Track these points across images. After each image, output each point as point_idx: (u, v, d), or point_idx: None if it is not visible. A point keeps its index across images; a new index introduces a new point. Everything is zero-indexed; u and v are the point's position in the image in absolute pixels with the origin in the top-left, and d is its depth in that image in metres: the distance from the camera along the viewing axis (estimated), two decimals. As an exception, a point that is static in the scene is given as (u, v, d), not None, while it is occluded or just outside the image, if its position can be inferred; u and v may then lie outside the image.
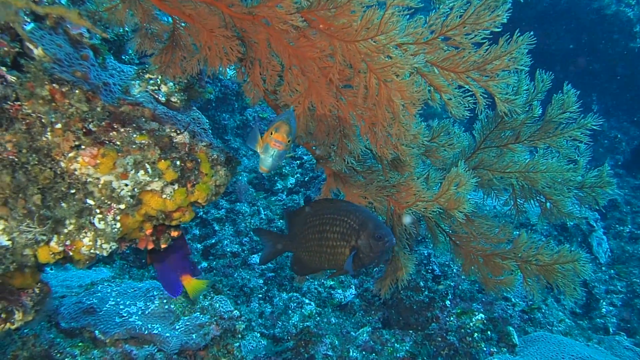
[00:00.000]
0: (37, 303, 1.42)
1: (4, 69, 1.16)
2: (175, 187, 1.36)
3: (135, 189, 1.31)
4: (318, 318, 3.57)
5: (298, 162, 5.51)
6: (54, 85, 1.20)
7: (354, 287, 3.98)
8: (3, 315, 1.37)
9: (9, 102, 1.16)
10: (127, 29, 1.83)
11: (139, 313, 2.11)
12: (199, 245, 4.25)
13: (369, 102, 1.27)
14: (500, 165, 2.09)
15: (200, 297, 2.24)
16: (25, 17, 1.24)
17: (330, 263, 1.60)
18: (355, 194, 1.85)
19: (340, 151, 1.50)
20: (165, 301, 2.16)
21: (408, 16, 1.18)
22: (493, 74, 1.29)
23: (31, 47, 1.21)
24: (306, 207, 1.70)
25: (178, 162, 1.35)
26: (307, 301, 3.69)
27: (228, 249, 4.18)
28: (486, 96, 1.33)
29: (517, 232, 2.08)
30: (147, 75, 1.46)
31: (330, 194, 1.96)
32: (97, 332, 2.00)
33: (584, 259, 1.97)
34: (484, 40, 1.30)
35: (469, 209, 1.62)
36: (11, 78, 1.17)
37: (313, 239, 1.62)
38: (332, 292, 3.86)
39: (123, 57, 1.86)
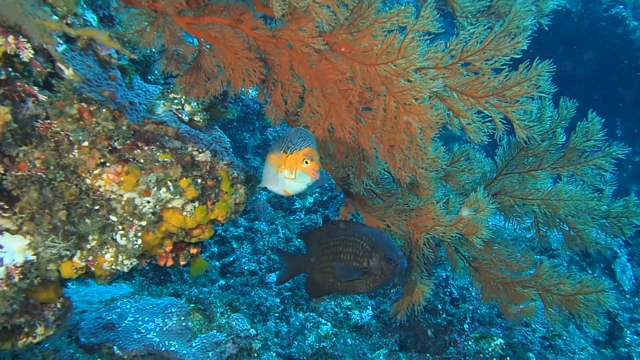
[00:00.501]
0: (59, 317, 1.45)
1: (36, 88, 1.20)
2: (196, 204, 1.38)
3: (157, 206, 1.33)
4: (334, 339, 3.55)
5: (319, 189, 5.53)
6: (82, 104, 1.24)
7: (370, 309, 3.95)
8: (26, 329, 1.39)
9: (39, 121, 1.20)
10: (153, 50, 1.88)
11: (157, 330, 2.13)
12: (217, 263, 4.27)
13: (388, 125, 1.28)
14: (522, 192, 2.07)
15: (218, 314, 2.25)
16: (58, 39, 1.28)
17: (343, 285, 1.61)
18: (374, 217, 1.85)
19: (359, 173, 1.51)
20: (182, 318, 2.17)
21: (428, 41, 1.20)
22: (512, 100, 1.29)
23: (62, 67, 1.25)
24: (322, 228, 1.72)
25: (199, 180, 1.37)
26: (323, 321, 3.67)
27: (246, 267, 4.19)
28: (505, 122, 1.34)
29: (538, 257, 2.05)
30: (171, 95, 1.50)
31: (348, 215, 1.96)
32: (115, 347, 2.01)
33: (608, 289, 1.92)
34: (504, 67, 1.31)
35: (487, 235, 1.61)
36: (43, 97, 1.21)
37: (327, 260, 1.63)
38: (349, 312, 3.84)
39: (149, 77, 1.91)
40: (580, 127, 2.01)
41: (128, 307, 2.27)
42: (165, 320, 2.17)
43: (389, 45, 1.18)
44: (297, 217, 5.05)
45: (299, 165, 1.30)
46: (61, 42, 1.28)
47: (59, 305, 1.39)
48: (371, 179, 1.51)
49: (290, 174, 1.31)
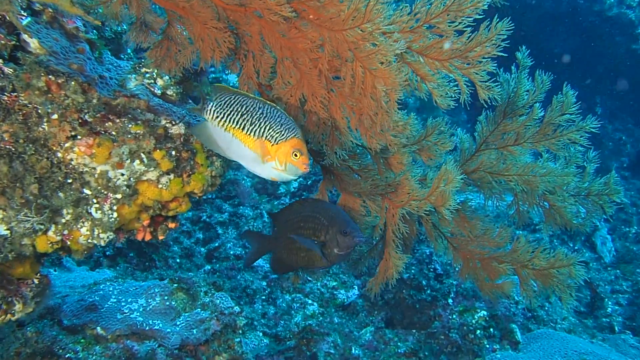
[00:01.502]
0: (37, 294, 1.45)
1: (0, 61, 1.19)
2: (171, 177, 1.38)
3: (131, 179, 1.33)
4: (321, 318, 3.58)
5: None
6: (50, 76, 1.23)
7: (357, 288, 3.99)
8: (4, 306, 1.39)
9: (5, 94, 1.19)
10: (125, 27, 1.86)
11: (141, 310, 2.13)
12: (202, 249, 4.27)
13: (356, 92, 1.29)
14: (500, 168, 2.07)
15: (202, 293, 2.25)
16: (22, 11, 1.27)
17: (304, 260, 1.66)
18: (350, 192, 1.86)
19: (332, 144, 1.52)
20: (166, 298, 2.17)
21: (394, 5, 1.21)
22: (474, 61, 1.31)
23: (27, 39, 1.24)
24: (287, 207, 1.77)
25: (173, 152, 1.37)
26: (310, 302, 3.70)
27: (231, 252, 4.20)
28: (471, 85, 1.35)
29: (520, 233, 2.06)
30: (143, 69, 1.49)
31: (326, 192, 1.98)
32: (98, 328, 2.01)
33: (579, 261, 1.92)
34: (467, 29, 1.32)
35: (455, 205, 1.62)
36: (8, 70, 1.20)
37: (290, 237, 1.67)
38: (335, 292, 3.87)
39: (122, 57, 1.89)
40: (556, 101, 2.01)
41: (111, 289, 2.27)
42: (149, 301, 2.17)
43: (355, 9, 1.19)
44: (282, 202, 5.06)
45: (288, 159, 1.33)
46: (25, 14, 1.27)
47: (36, 282, 1.39)
48: (344, 149, 1.52)
49: (280, 165, 1.34)
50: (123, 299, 2.18)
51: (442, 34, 1.33)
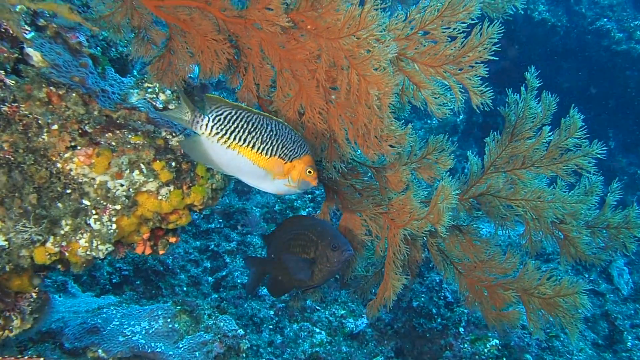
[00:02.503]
0: (36, 310, 1.43)
1: (2, 72, 1.21)
2: (171, 188, 1.38)
3: (131, 189, 1.33)
4: (329, 347, 3.51)
5: (310, 196, 5.53)
6: (51, 88, 1.24)
7: (365, 317, 3.92)
8: (1, 322, 1.37)
9: (6, 104, 1.21)
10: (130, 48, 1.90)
11: (143, 332, 2.10)
12: (210, 278, 4.23)
13: (352, 100, 1.29)
14: (507, 193, 2.01)
15: (205, 316, 2.22)
16: (27, 26, 1.29)
17: (298, 279, 1.63)
18: (352, 211, 1.84)
19: (330, 156, 1.51)
20: (169, 320, 2.14)
21: (390, 12, 1.22)
22: (466, 66, 1.31)
23: (30, 53, 1.26)
24: (278, 227, 1.74)
25: (173, 164, 1.37)
26: (317, 330, 3.63)
27: (239, 281, 4.16)
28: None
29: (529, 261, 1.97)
30: (145, 84, 1.51)
31: (328, 210, 1.95)
32: (100, 351, 1.98)
33: (584, 290, 1.84)
34: (460, 34, 1.33)
35: (449, 221, 1.57)
36: (10, 82, 1.22)
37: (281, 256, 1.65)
38: (344, 321, 3.80)
39: (127, 77, 1.92)
40: (564, 124, 1.95)
41: (114, 312, 2.25)
42: (152, 323, 2.14)
43: (351, 17, 1.20)
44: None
45: (302, 175, 1.34)
46: (29, 29, 1.29)
47: (34, 296, 1.38)
48: (343, 162, 1.51)
49: (293, 182, 1.34)
50: (126, 322, 2.15)
51: (436, 39, 1.33)
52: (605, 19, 7.21)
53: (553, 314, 1.87)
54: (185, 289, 3.91)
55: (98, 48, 1.52)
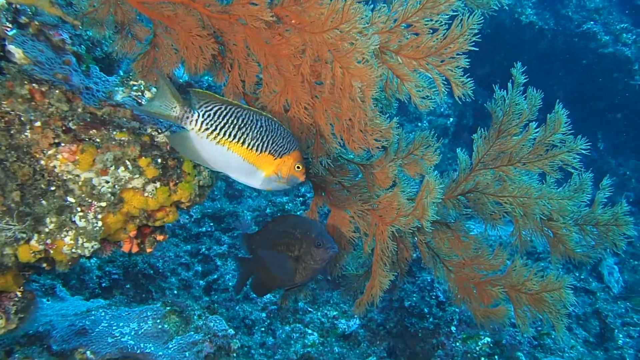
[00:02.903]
0: (21, 310, 1.42)
1: (-15, 69, 1.20)
2: (157, 185, 1.37)
3: (116, 186, 1.32)
4: (321, 347, 3.50)
5: (301, 199, 5.53)
6: (33, 85, 1.24)
7: (357, 317, 3.92)
8: (-14, 322, 1.36)
9: (-11, 101, 1.20)
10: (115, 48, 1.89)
11: (132, 333, 2.08)
12: (201, 282, 4.21)
13: (336, 93, 1.30)
14: (496, 189, 2.00)
15: (195, 317, 2.21)
16: (8, 23, 1.28)
17: (282, 278, 1.62)
18: (339, 208, 1.84)
19: (316, 152, 1.51)
20: (159, 321, 2.13)
21: (372, 5, 1.22)
22: (448, 57, 1.32)
23: (12, 50, 1.26)
24: (263, 227, 1.73)
25: (159, 160, 1.36)
26: (310, 331, 3.63)
27: (230, 284, 4.14)
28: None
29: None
30: (131, 82, 1.50)
31: (316, 209, 1.95)
32: (88, 352, 1.96)
33: (569, 285, 1.84)
34: (441, 26, 1.34)
35: (433, 216, 1.57)
36: (-8, 78, 1.21)
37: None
38: (336, 322, 3.80)
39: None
40: (549, 120, 1.94)
41: (103, 314, 2.23)
42: (141, 324, 2.12)
43: (334, 10, 1.20)
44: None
45: (291, 171, 1.35)
46: (11, 26, 1.28)
47: (19, 295, 1.36)
48: (329, 157, 1.51)
49: (282, 178, 1.35)
50: (115, 324, 2.13)
51: (418, 32, 1.34)
52: (591, 22, 7.30)
53: (540, 310, 1.87)
54: (176, 292, 3.88)
55: (82, 46, 1.52)
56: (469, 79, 1.35)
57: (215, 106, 1.28)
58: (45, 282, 2.74)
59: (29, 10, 1.35)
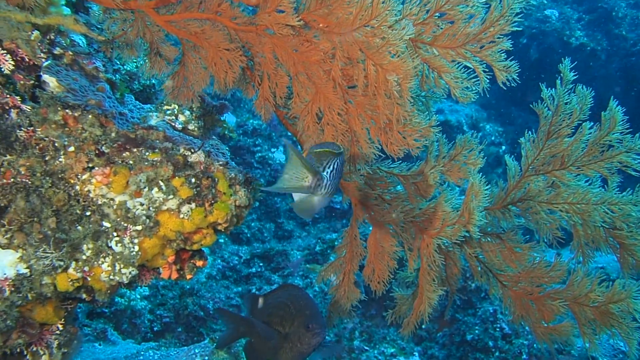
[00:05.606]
0: (64, 344, 1.38)
1: (19, 98, 1.21)
2: (193, 206, 1.33)
3: (151, 208, 1.28)
4: (381, 387, 3.32)
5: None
6: (66, 110, 1.23)
7: (417, 355, 3.73)
8: (29, 357, 1.32)
9: (22, 129, 1.20)
10: (154, 81, 1.91)
11: (181, 372, 2.02)
12: (253, 323, 4.14)
13: (370, 93, 1.23)
14: (548, 196, 1.84)
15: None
16: (43, 54, 1.30)
17: (271, 351, 1.51)
18: (381, 223, 1.74)
19: (353, 159, 1.44)
20: (206, 358, 2.06)
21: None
22: (488, 42, 1.23)
23: (47, 79, 1.27)
24: (272, 291, 1.64)
25: (193, 180, 1.33)
26: (369, 370, 3.46)
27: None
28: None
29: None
30: (164, 107, 1.49)
31: (357, 226, 1.85)
32: (137, 393, 1.91)
33: (638, 293, 1.66)
34: (477, 10, 1.26)
35: (481, 219, 1.44)
36: (26, 107, 1.21)
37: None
38: (394, 359, 3.62)
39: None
40: (604, 118, 1.79)
41: (152, 355, 2.19)
42: (189, 362, 2.06)
43: (362, 7, 1.16)
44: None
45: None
46: (46, 57, 1.30)
47: (60, 327, 1.33)
48: (367, 163, 1.43)
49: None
50: (163, 363, 2.08)
51: (453, 20, 1.26)
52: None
53: (607, 324, 1.70)
54: (228, 334, 3.82)
55: (117, 75, 1.53)
56: (512, 62, 1.25)
57: (329, 164, 1.19)
58: (97, 327, 2.73)
59: (63, 42, 1.37)
